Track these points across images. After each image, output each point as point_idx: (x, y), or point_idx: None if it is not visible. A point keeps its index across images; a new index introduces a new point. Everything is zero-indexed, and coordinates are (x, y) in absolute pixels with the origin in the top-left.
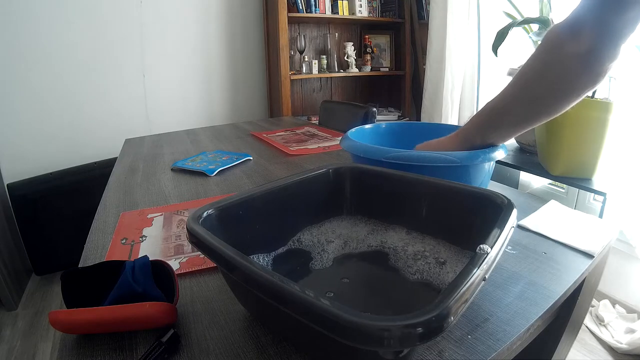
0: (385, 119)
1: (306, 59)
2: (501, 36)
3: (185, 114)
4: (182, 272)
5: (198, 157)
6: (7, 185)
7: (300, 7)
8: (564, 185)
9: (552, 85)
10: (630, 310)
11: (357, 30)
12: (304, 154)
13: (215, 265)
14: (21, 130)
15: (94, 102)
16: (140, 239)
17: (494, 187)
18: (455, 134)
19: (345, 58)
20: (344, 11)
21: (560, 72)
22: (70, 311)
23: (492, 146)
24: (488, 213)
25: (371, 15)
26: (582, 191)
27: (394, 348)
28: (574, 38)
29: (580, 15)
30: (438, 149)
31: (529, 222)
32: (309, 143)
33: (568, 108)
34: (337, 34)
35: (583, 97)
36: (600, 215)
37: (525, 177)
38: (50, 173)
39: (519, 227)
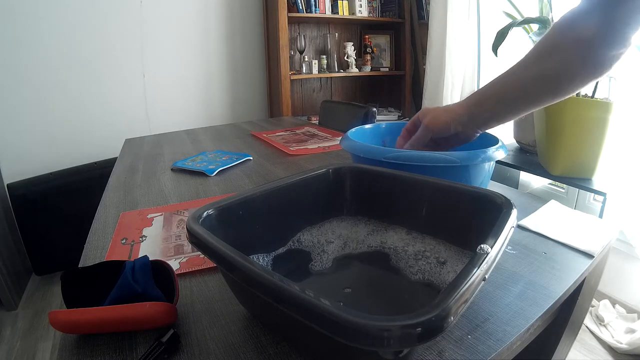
0: (385, 119)
1: (306, 59)
2: (501, 36)
3: (185, 114)
4: (182, 272)
5: (198, 157)
6: (7, 185)
7: (300, 7)
8: (564, 185)
9: (557, 67)
10: (630, 310)
11: (357, 30)
12: (304, 154)
13: (215, 265)
14: (21, 131)
15: (94, 102)
16: (140, 239)
17: (494, 187)
18: (464, 103)
19: (345, 58)
20: (344, 11)
21: (565, 56)
22: (70, 311)
23: (493, 125)
24: (488, 213)
25: (371, 15)
26: (582, 191)
27: (393, 348)
28: (581, 24)
29: (588, 2)
30: (444, 115)
31: (529, 222)
32: (309, 143)
33: (572, 94)
34: (337, 34)
35: (588, 84)
36: (600, 215)
37: (525, 177)
38: (50, 173)
39: (519, 227)
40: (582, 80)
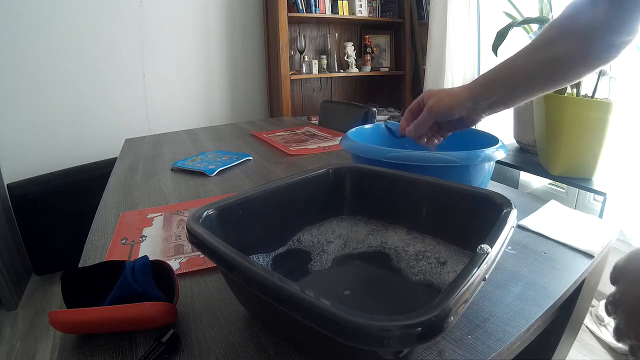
0: (385, 119)
1: (306, 59)
2: (501, 36)
3: (185, 114)
4: (182, 272)
5: (198, 157)
6: (7, 185)
7: (300, 7)
8: (564, 185)
9: (564, 52)
10: None
11: (357, 30)
12: (304, 154)
13: (215, 265)
14: (21, 130)
15: (94, 102)
16: (140, 239)
17: (494, 187)
18: (469, 87)
19: (345, 58)
20: (344, 11)
21: (573, 42)
22: (70, 311)
23: (497, 109)
24: (488, 213)
25: (371, 15)
26: (582, 191)
27: (393, 348)
28: (590, 8)
29: None
30: (448, 99)
31: (529, 222)
32: (309, 143)
33: (579, 79)
34: (337, 34)
35: (595, 70)
36: (600, 215)
37: (525, 177)
38: (50, 173)
39: (519, 227)
40: (589, 66)
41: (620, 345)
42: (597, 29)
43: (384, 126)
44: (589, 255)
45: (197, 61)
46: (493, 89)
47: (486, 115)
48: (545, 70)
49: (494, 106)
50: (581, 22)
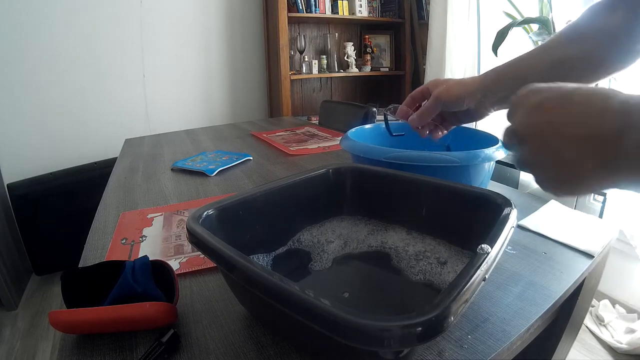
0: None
1: (306, 59)
2: (501, 36)
3: (185, 114)
4: (182, 272)
5: (198, 157)
6: (7, 185)
7: (300, 7)
8: None
9: (578, 54)
10: (630, 310)
11: (357, 30)
12: (304, 154)
13: (215, 265)
14: (21, 130)
15: (94, 102)
16: (140, 239)
17: (494, 187)
18: (480, 79)
19: (345, 58)
20: (344, 11)
21: (589, 44)
22: (70, 311)
23: (506, 106)
24: (488, 213)
25: (371, 15)
26: None
27: (394, 348)
28: (609, 14)
29: None
30: (458, 88)
31: (529, 222)
32: (309, 143)
33: (592, 83)
34: (337, 34)
35: (613, 74)
36: (600, 215)
37: (525, 177)
38: (51, 173)
39: (519, 227)
40: (603, 71)
41: (620, 345)
42: (615, 34)
43: (384, 112)
44: (589, 255)
45: (197, 61)
46: (503, 84)
47: (494, 110)
48: (557, 71)
49: (502, 102)
50: (599, 27)
